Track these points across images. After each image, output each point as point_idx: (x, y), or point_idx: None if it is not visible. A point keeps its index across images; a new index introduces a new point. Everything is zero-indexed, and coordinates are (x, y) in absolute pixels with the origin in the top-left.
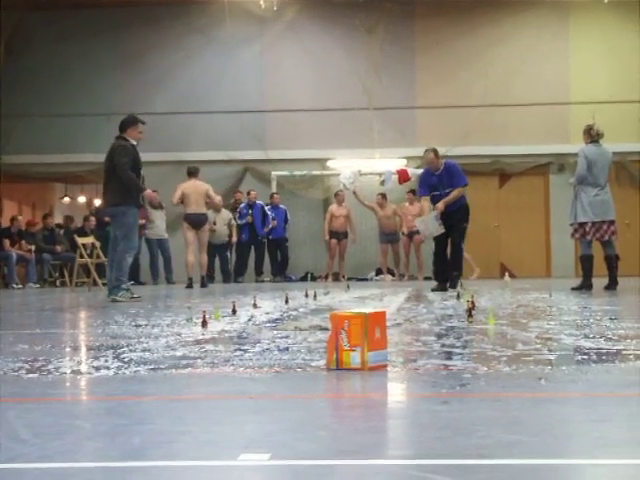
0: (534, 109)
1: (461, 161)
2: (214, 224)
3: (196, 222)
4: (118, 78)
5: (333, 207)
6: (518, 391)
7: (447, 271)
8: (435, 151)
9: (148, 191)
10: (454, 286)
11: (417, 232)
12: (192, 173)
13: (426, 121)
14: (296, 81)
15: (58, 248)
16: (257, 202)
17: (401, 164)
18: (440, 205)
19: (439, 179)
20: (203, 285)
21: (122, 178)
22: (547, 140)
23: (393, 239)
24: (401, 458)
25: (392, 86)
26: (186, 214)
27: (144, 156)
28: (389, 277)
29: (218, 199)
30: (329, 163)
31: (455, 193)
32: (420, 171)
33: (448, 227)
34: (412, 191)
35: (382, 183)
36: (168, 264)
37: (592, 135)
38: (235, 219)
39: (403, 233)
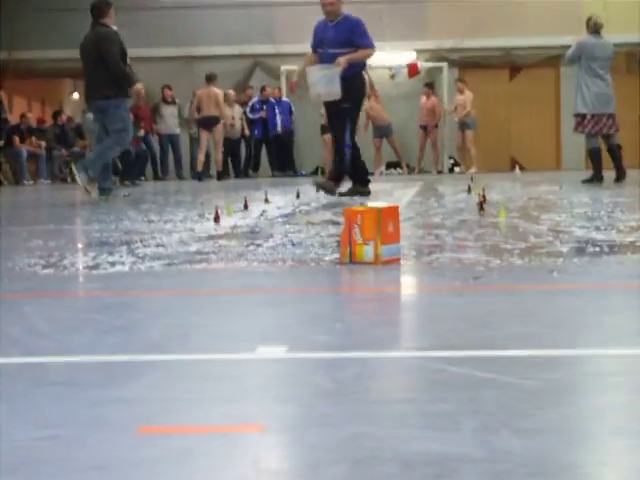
0: (545, 0)
1: (472, 53)
2: (232, 118)
3: (206, 123)
4: None
5: None
6: (531, 283)
7: (336, 167)
8: None
9: (138, 85)
10: (349, 193)
11: (433, 126)
12: (209, 79)
13: (436, 13)
14: None
15: (76, 148)
16: (283, 99)
17: (411, 57)
18: (343, 60)
19: (334, 32)
20: (219, 178)
21: (113, 69)
22: (559, 31)
23: (386, 132)
24: (418, 350)
25: None
26: (200, 117)
27: (152, 51)
28: (378, 171)
29: (227, 97)
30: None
31: (362, 52)
32: (429, 64)
33: (333, 105)
34: (428, 84)
35: (392, 77)
36: (179, 160)
37: (590, 26)
38: (246, 113)
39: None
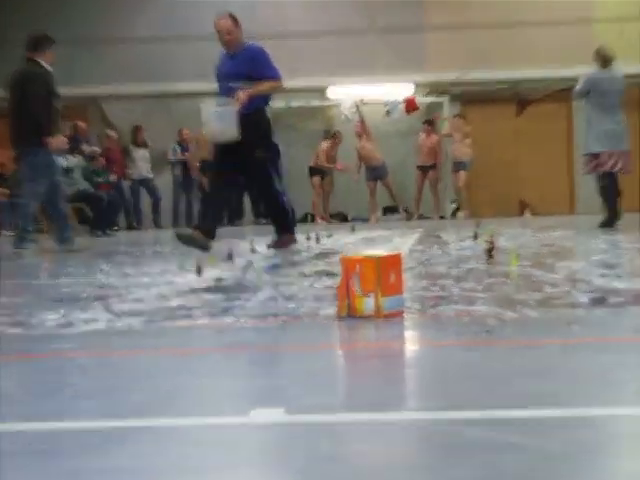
0: (555, 29)
1: (475, 87)
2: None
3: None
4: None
5: (325, 145)
6: (548, 337)
7: (211, 217)
8: (234, 18)
9: (57, 139)
10: (278, 244)
11: (432, 166)
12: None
13: (436, 43)
14: (290, 1)
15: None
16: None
17: (408, 92)
18: (242, 95)
19: (233, 64)
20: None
21: (34, 112)
22: (570, 62)
23: (380, 174)
24: (427, 411)
25: (397, 3)
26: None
27: (124, 88)
28: (374, 217)
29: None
30: (329, 92)
31: (266, 85)
32: (428, 99)
33: (234, 151)
34: (428, 121)
35: (388, 113)
36: (156, 206)
37: (599, 59)
38: None
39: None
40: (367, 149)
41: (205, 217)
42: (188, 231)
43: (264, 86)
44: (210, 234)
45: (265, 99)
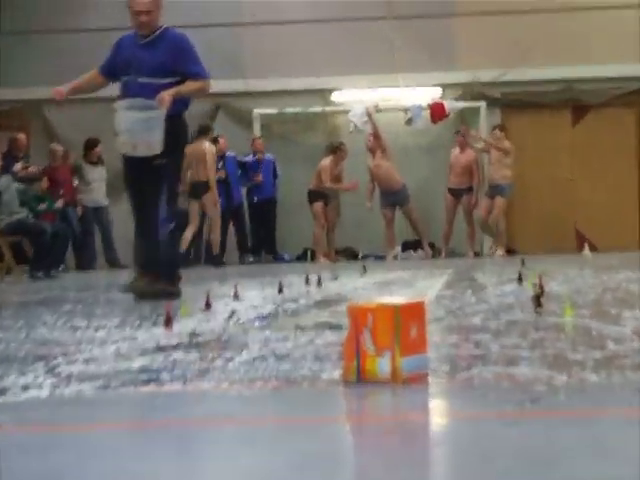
0: (620, 14)
1: (519, 89)
2: None
3: (192, 191)
4: None
5: (327, 161)
6: (611, 407)
7: (152, 253)
8: None
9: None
10: (164, 293)
11: (467, 189)
12: (199, 132)
13: (468, 34)
14: None
15: None
16: (267, 156)
17: (434, 95)
18: (167, 97)
19: (150, 53)
20: (216, 264)
21: None
22: (639, 58)
23: (399, 199)
24: None
25: None
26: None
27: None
28: (392, 254)
29: (211, 165)
30: (333, 96)
31: (194, 86)
32: (460, 104)
33: (142, 162)
34: (462, 132)
35: (409, 122)
36: (107, 239)
37: None
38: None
39: (454, 191)
40: (383, 169)
41: (148, 255)
42: (139, 282)
43: (190, 86)
44: (167, 275)
45: (186, 103)
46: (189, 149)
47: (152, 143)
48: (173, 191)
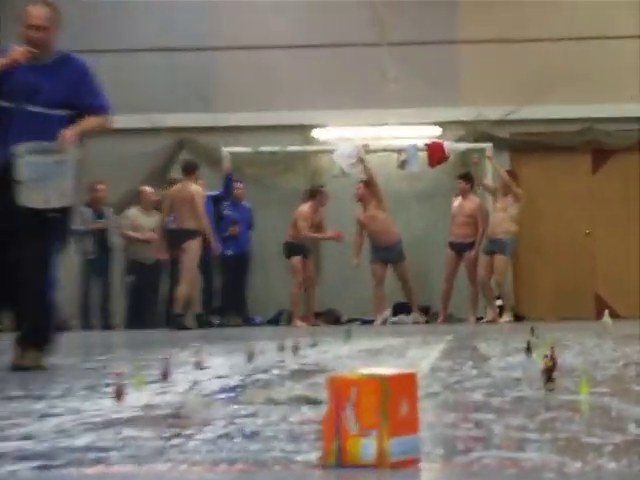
0: None
1: (531, 129)
2: (153, 230)
3: (172, 240)
4: None
5: (305, 208)
6: None
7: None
8: (55, 8)
9: None
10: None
11: (471, 244)
12: (187, 169)
13: (473, 64)
14: (263, 2)
15: None
16: (243, 202)
17: (433, 134)
18: (71, 135)
19: (46, 79)
20: (178, 327)
21: None
22: None
23: (393, 255)
24: None
25: (419, 9)
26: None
27: None
28: (381, 318)
29: (201, 212)
30: (316, 133)
31: (98, 121)
32: (462, 145)
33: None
34: (465, 177)
35: (402, 165)
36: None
37: None
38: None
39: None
40: (379, 221)
41: (34, 322)
42: (27, 357)
43: (92, 122)
44: (42, 345)
45: (81, 141)
46: (172, 191)
47: (65, 191)
48: (63, 250)
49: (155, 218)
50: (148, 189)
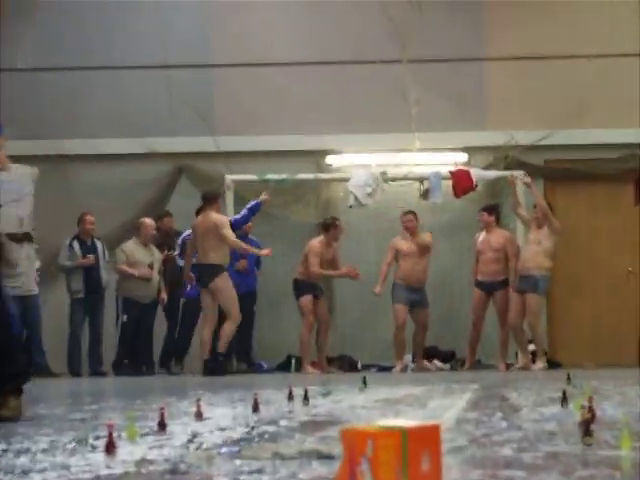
0: None
1: (568, 155)
2: (150, 266)
3: (199, 277)
4: None
5: (316, 243)
6: None
7: None
8: None
9: None
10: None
11: (502, 283)
12: (206, 200)
13: (503, 84)
14: (270, 14)
15: None
16: (250, 236)
17: (458, 161)
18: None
19: None
20: (207, 372)
21: None
22: None
23: (422, 299)
24: None
25: (442, 23)
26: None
27: None
28: (401, 364)
29: (232, 240)
30: (329, 159)
31: None
32: (491, 173)
33: None
34: (492, 208)
35: (425, 194)
36: (36, 335)
37: None
38: (174, 258)
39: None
40: (421, 265)
41: (11, 366)
42: (7, 407)
43: None
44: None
45: None
46: (195, 223)
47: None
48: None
49: (152, 253)
50: (148, 221)
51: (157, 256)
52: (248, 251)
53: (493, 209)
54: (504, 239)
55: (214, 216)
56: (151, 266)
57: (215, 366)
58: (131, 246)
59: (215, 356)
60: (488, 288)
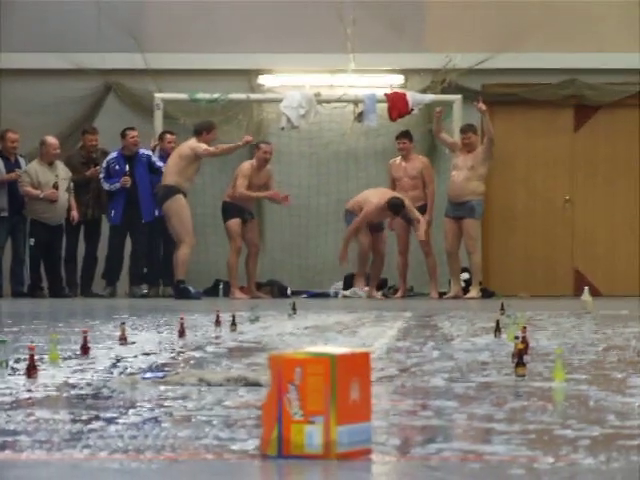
0: None
1: (507, 80)
2: (55, 187)
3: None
4: None
5: (246, 165)
6: None
7: None
8: None
9: None
10: None
11: (421, 208)
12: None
13: (442, 6)
14: None
15: None
16: (141, 150)
17: (394, 84)
18: None
19: None
20: (182, 295)
21: None
22: None
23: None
24: None
25: None
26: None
27: None
28: (362, 290)
29: (202, 149)
30: (262, 79)
31: None
32: (430, 97)
33: None
34: (406, 134)
35: (358, 117)
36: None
37: None
38: (99, 180)
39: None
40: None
41: None
42: None
43: None
44: None
45: None
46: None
47: None
48: None
49: (57, 173)
50: (50, 139)
51: (63, 175)
52: (231, 149)
53: (407, 134)
54: (422, 164)
55: (193, 143)
56: (56, 186)
57: (179, 292)
58: (35, 167)
59: (177, 284)
60: (408, 216)
